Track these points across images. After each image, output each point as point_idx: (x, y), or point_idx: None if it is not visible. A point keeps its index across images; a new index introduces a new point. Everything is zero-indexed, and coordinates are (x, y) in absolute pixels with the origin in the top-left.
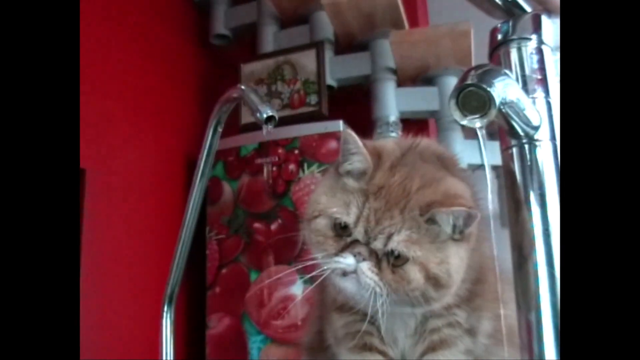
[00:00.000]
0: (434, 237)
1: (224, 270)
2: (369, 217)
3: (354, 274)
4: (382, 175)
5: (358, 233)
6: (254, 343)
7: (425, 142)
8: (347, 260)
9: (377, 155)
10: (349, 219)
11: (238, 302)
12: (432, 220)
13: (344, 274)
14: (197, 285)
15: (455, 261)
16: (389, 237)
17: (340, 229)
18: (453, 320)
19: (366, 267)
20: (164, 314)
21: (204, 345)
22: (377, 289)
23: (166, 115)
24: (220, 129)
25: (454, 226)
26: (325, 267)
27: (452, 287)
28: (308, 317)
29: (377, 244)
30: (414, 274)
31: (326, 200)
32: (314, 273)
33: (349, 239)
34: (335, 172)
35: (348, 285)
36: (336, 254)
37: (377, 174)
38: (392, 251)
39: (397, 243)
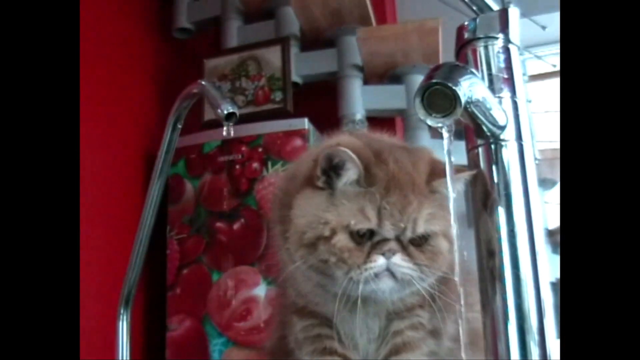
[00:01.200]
0: (442, 204)
1: (185, 271)
2: (392, 213)
3: (387, 272)
4: (380, 168)
5: (386, 232)
6: (216, 346)
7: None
8: (379, 262)
9: (364, 153)
10: (372, 223)
11: (199, 304)
12: (437, 190)
13: (376, 276)
14: (157, 286)
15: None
16: (415, 223)
17: (359, 237)
18: (416, 321)
19: (399, 260)
20: (120, 316)
21: (164, 348)
22: (416, 273)
23: (125, 110)
24: (180, 125)
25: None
26: (355, 280)
27: None
28: (271, 322)
29: (408, 234)
30: (442, 244)
31: (335, 217)
32: (342, 288)
33: (373, 241)
34: (315, 188)
35: (384, 286)
36: (364, 262)
37: (375, 169)
38: (424, 233)
39: (423, 224)
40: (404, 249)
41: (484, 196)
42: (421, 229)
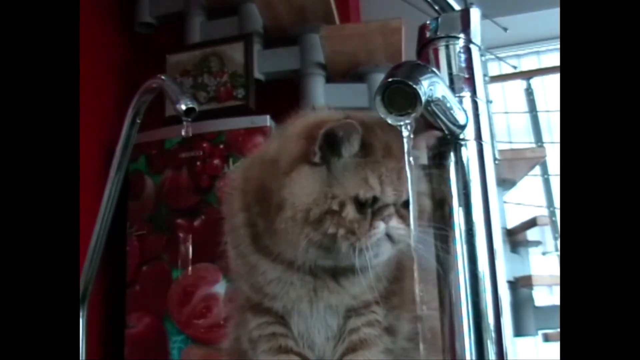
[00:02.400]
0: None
1: (144, 268)
2: (392, 179)
3: (386, 236)
4: (375, 139)
5: (388, 198)
6: (175, 343)
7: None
8: (380, 228)
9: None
10: (376, 191)
11: (159, 301)
12: (416, 156)
13: (378, 241)
14: (116, 283)
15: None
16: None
17: (362, 207)
18: (372, 318)
19: (396, 223)
20: None
21: (123, 345)
22: (408, 233)
23: (85, 103)
24: (139, 120)
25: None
26: (359, 248)
27: None
28: (228, 322)
29: (404, 196)
30: (425, 202)
31: (341, 190)
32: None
33: (374, 208)
34: (312, 165)
35: (384, 250)
36: (369, 230)
37: (370, 140)
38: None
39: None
40: (397, 212)
41: (443, 195)
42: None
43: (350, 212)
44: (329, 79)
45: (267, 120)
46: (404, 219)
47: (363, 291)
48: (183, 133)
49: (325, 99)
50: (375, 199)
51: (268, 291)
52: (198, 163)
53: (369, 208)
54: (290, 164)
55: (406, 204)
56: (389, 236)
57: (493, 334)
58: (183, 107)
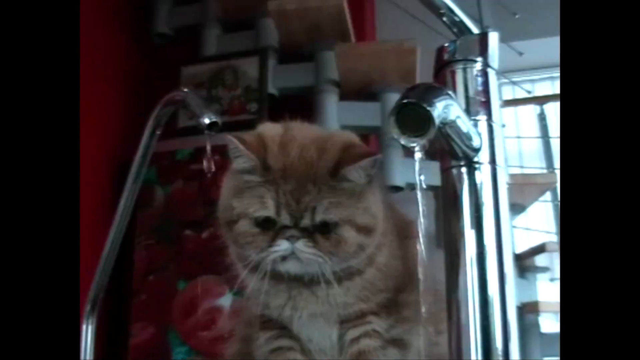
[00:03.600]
0: (351, 192)
1: (150, 278)
2: (288, 202)
3: (293, 254)
4: (277, 159)
5: (284, 219)
6: (178, 354)
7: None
8: (283, 246)
9: (262, 144)
10: (270, 211)
11: (164, 312)
12: (344, 178)
13: (284, 258)
14: (121, 292)
15: (374, 202)
16: (314, 211)
17: (264, 223)
18: (369, 329)
19: (302, 245)
20: (86, 319)
21: (126, 354)
22: (320, 260)
23: (96, 113)
24: (158, 132)
25: (366, 175)
26: (262, 259)
27: (379, 226)
28: (233, 334)
29: (306, 222)
30: (347, 232)
31: (239, 203)
32: (251, 264)
33: (276, 227)
34: (234, 173)
35: (291, 267)
36: (270, 245)
37: (271, 160)
38: (321, 222)
39: (323, 213)
40: (310, 235)
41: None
42: (319, 217)
43: (244, 225)
44: (342, 97)
45: None
46: (317, 243)
47: (353, 301)
48: (207, 148)
49: (337, 117)
50: (271, 220)
51: (262, 300)
52: (208, 175)
53: (274, 226)
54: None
55: (323, 229)
56: (297, 256)
57: (500, 359)
58: (207, 120)
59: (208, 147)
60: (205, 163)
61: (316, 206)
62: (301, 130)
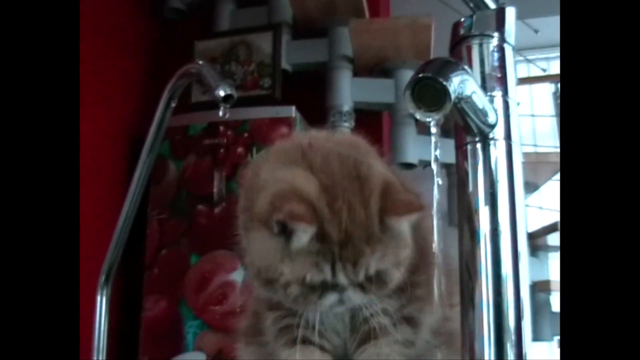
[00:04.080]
0: (395, 237)
1: (163, 252)
2: (346, 266)
3: (339, 301)
4: (332, 226)
5: (341, 281)
6: (190, 328)
7: (318, 144)
8: (333, 298)
9: (313, 210)
10: (327, 275)
11: (176, 286)
12: (391, 228)
13: (330, 307)
14: (134, 265)
15: (408, 235)
16: (367, 267)
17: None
18: (381, 307)
19: (351, 294)
20: (100, 290)
21: (138, 328)
22: (366, 302)
23: (110, 88)
24: (173, 104)
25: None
26: (309, 311)
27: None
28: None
29: (360, 278)
30: (394, 274)
31: (290, 269)
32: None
33: (329, 285)
34: (272, 232)
35: (337, 310)
36: (319, 299)
37: (327, 228)
38: (373, 274)
39: (374, 265)
40: (359, 284)
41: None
42: (372, 270)
43: (295, 290)
44: (356, 73)
45: (292, 111)
46: (365, 289)
47: None
48: (221, 114)
49: (351, 93)
50: (325, 282)
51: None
52: (221, 150)
53: (325, 283)
54: (257, 218)
55: (370, 279)
56: (341, 301)
57: (513, 337)
58: (222, 93)
59: (222, 114)
60: (221, 113)
61: (369, 262)
62: (329, 165)
